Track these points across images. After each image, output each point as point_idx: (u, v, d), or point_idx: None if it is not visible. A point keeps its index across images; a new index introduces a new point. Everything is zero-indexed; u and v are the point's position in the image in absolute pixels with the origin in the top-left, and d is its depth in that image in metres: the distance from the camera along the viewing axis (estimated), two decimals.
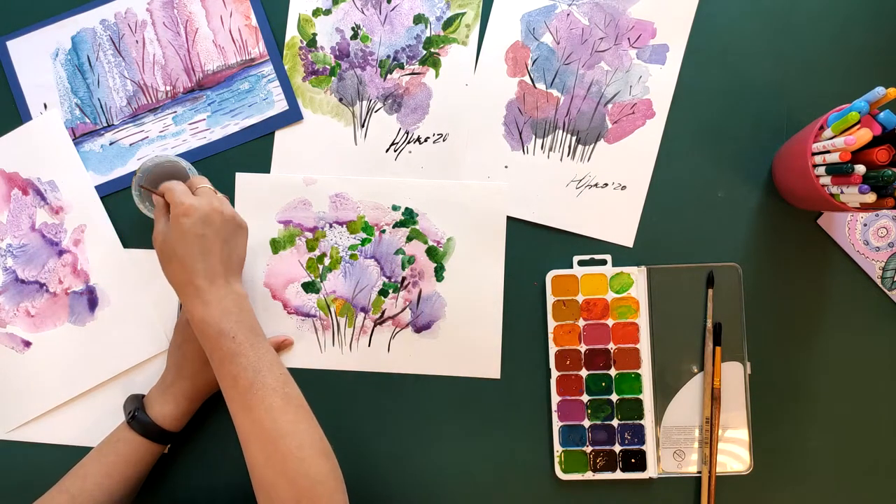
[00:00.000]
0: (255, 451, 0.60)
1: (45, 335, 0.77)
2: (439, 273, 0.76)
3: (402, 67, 0.78)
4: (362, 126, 0.78)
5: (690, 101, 0.77)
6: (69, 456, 0.71)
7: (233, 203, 0.78)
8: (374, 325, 0.77)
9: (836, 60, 0.76)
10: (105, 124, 0.79)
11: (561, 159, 0.77)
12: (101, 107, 0.79)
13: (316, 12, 0.79)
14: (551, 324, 0.75)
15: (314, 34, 0.79)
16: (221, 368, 0.62)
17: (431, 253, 0.77)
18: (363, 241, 0.77)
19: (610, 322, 0.75)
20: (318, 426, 0.63)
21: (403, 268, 0.77)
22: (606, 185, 0.77)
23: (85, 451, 0.70)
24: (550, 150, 0.77)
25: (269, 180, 0.78)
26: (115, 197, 0.78)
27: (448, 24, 0.78)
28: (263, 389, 0.60)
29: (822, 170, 0.64)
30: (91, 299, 0.77)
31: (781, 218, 0.75)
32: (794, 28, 0.77)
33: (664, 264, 0.75)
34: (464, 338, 0.76)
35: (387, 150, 0.78)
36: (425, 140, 0.78)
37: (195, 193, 0.66)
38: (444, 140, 0.78)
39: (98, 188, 0.78)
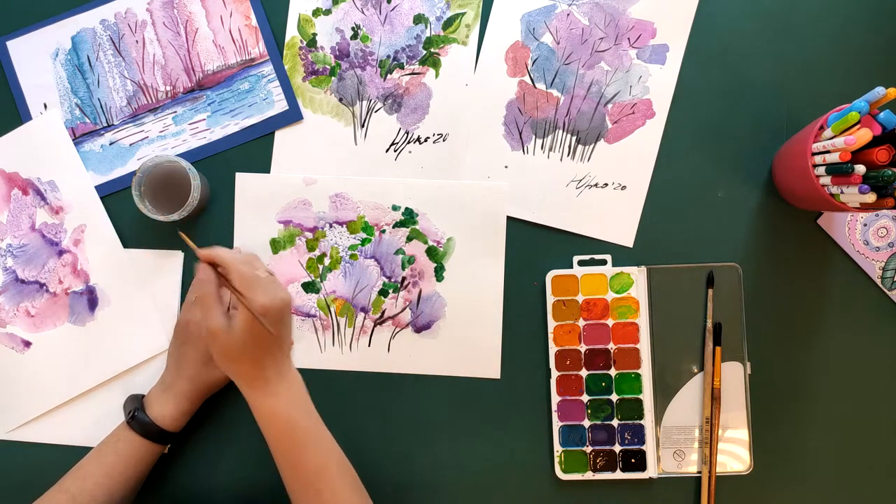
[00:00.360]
0: None
1: (45, 335, 0.77)
2: (439, 273, 0.76)
3: (402, 67, 0.78)
4: (362, 126, 0.78)
5: (690, 101, 0.77)
6: (69, 456, 0.71)
7: (232, 203, 0.78)
8: (374, 325, 0.77)
9: (836, 60, 0.76)
10: (105, 124, 0.79)
11: (561, 159, 0.77)
12: (101, 107, 0.79)
13: (316, 12, 0.79)
14: (551, 324, 0.75)
15: (314, 34, 0.79)
16: (288, 455, 0.62)
17: (431, 253, 0.77)
18: (363, 241, 0.77)
19: (610, 322, 0.75)
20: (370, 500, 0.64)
21: (403, 268, 0.77)
22: (606, 185, 0.77)
23: (85, 451, 0.70)
24: (550, 150, 0.77)
25: (269, 180, 0.78)
26: (115, 197, 0.78)
27: (448, 24, 0.78)
28: (329, 475, 0.62)
29: (822, 170, 0.64)
30: (91, 299, 0.77)
31: (781, 218, 0.75)
32: (794, 28, 0.77)
33: (664, 264, 0.75)
34: (464, 338, 0.76)
35: (387, 150, 0.78)
36: (425, 140, 0.78)
37: (252, 278, 0.60)
38: (444, 140, 0.78)
39: (98, 188, 0.78)
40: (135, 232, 0.78)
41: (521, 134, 0.78)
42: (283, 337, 0.62)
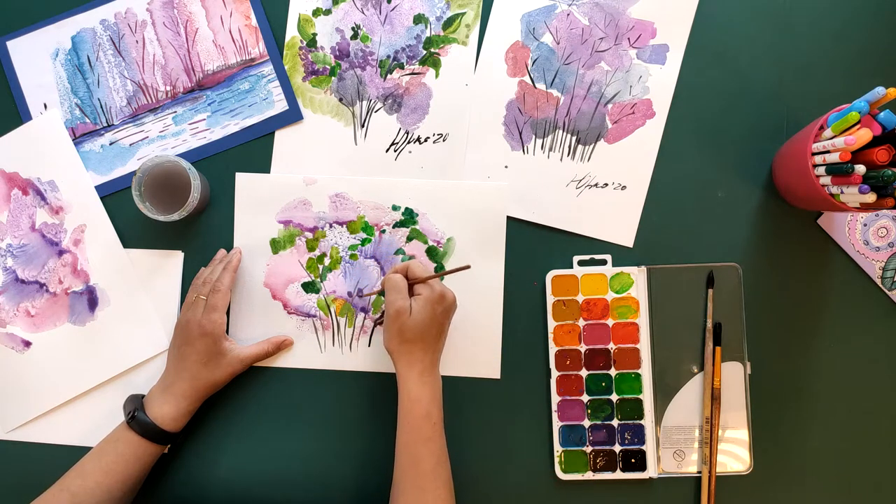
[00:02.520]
0: None
1: (45, 335, 0.77)
2: None
3: (402, 67, 0.78)
4: (362, 126, 0.78)
5: (690, 101, 0.77)
6: (69, 456, 0.71)
7: (232, 203, 0.78)
8: (374, 325, 0.77)
9: (836, 60, 0.76)
10: (105, 124, 0.79)
11: (561, 159, 0.77)
12: (101, 107, 0.79)
13: (316, 12, 0.79)
14: (551, 324, 0.75)
15: (314, 34, 0.79)
16: (411, 447, 0.65)
17: (431, 253, 0.77)
18: (363, 241, 0.77)
19: (610, 322, 0.75)
20: None
21: None
22: (606, 185, 0.77)
23: (85, 451, 0.70)
24: (550, 150, 0.77)
25: (269, 180, 0.78)
26: (115, 197, 0.78)
27: (448, 24, 0.78)
28: (439, 479, 0.64)
29: (822, 170, 0.64)
30: (91, 299, 0.77)
31: (781, 218, 0.75)
32: (794, 28, 0.77)
33: (664, 264, 0.75)
34: (464, 338, 0.76)
35: (387, 150, 0.78)
36: (425, 140, 0.78)
37: (421, 287, 0.67)
38: (444, 140, 0.78)
39: (98, 188, 0.78)
40: (135, 232, 0.78)
41: (521, 134, 0.78)
42: (445, 331, 0.68)
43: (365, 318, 0.77)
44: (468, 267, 0.67)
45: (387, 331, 0.66)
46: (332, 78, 0.79)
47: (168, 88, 0.79)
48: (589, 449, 0.74)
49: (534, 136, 0.77)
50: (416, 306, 0.65)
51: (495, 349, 0.76)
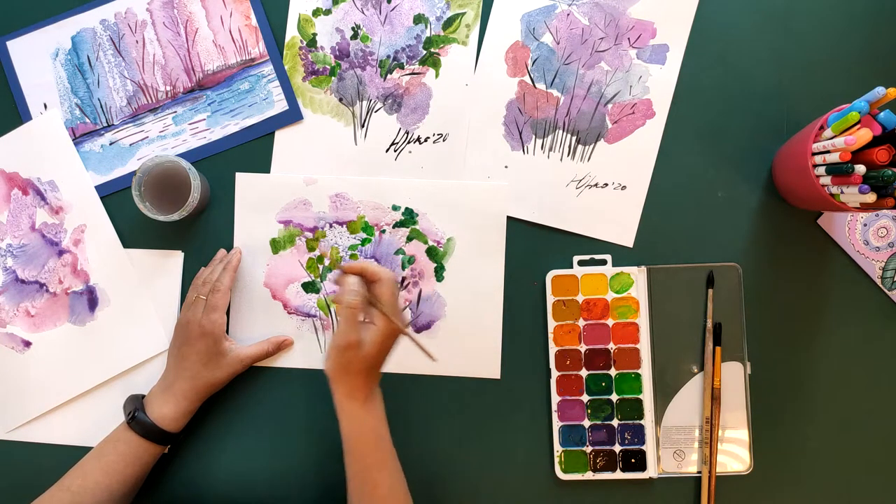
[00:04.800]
0: None
1: (45, 335, 0.77)
2: (439, 273, 0.76)
3: (402, 67, 0.78)
4: (362, 126, 0.78)
5: (690, 101, 0.77)
6: (69, 456, 0.71)
7: (232, 203, 0.78)
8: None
9: (836, 60, 0.76)
10: (105, 124, 0.79)
11: (561, 159, 0.77)
12: (101, 107, 0.79)
13: (316, 12, 0.79)
14: (551, 324, 0.75)
15: (314, 34, 0.79)
16: (366, 473, 0.63)
17: (431, 253, 0.77)
18: (363, 241, 0.77)
19: (610, 322, 0.75)
20: None
21: (403, 268, 0.77)
22: (606, 185, 0.77)
23: (85, 451, 0.70)
24: (550, 150, 0.77)
25: (269, 180, 0.78)
26: (115, 197, 0.78)
27: (448, 24, 0.78)
28: (397, 500, 0.63)
29: (822, 170, 0.64)
30: (91, 299, 0.77)
31: (781, 218, 0.75)
32: (794, 28, 0.77)
33: (664, 264, 0.75)
34: (464, 338, 0.76)
35: (387, 150, 0.78)
36: (425, 140, 0.78)
37: (397, 302, 0.64)
38: (444, 140, 0.78)
39: (98, 188, 0.78)
40: (135, 232, 0.78)
41: (521, 134, 0.78)
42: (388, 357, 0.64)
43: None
44: (433, 359, 0.65)
45: (330, 358, 0.62)
46: (332, 78, 0.79)
47: (168, 88, 0.79)
48: (589, 449, 0.74)
49: (534, 136, 0.77)
50: (368, 339, 0.61)
51: (495, 349, 0.76)
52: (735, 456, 0.73)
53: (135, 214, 0.76)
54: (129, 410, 0.69)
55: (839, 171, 0.62)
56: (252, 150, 0.79)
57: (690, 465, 0.73)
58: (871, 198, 0.60)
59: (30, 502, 0.65)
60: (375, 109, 0.78)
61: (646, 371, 0.74)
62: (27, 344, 0.77)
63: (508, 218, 0.77)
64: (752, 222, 0.76)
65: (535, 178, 0.77)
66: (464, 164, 0.77)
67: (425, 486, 0.75)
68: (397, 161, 0.78)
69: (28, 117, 0.79)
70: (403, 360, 0.76)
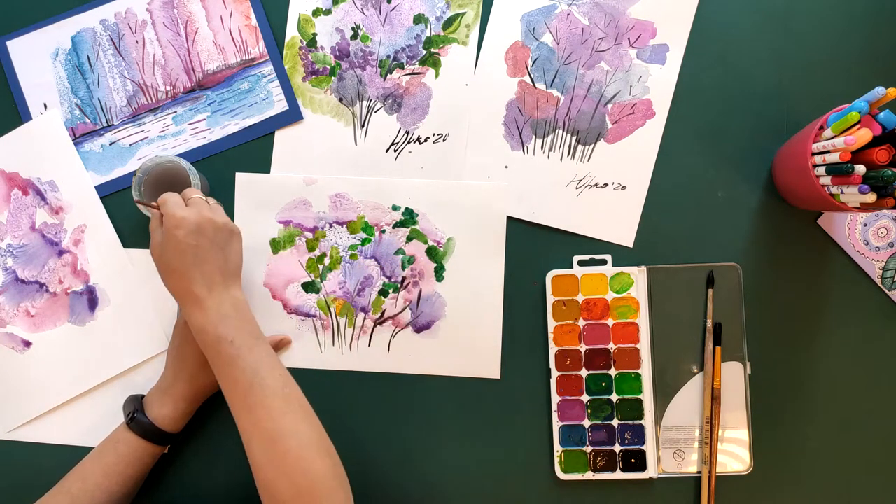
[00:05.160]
0: (256, 451, 0.60)
1: (45, 335, 0.77)
2: (439, 273, 0.76)
3: (402, 67, 0.78)
4: (362, 126, 0.78)
5: (690, 101, 0.77)
6: (69, 456, 0.71)
7: (232, 203, 0.78)
8: (374, 325, 0.77)
9: (835, 60, 0.76)
10: (105, 124, 0.79)
11: (561, 159, 0.77)
12: (101, 107, 0.79)
13: (316, 12, 0.79)
14: (551, 324, 0.75)
15: (314, 34, 0.79)
16: (221, 373, 0.62)
17: (431, 253, 0.77)
18: (363, 241, 0.77)
19: (610, 322, 0.75)
20: (320, 425, 0.63)
21: (403, 268, 0.77)
22: (606, 185, 0.77)
23: (85, 451, 0.70)
24: (550, 150, 0.77)
25: (269, 180, 0.78)
26: (115, 197, 0.78)
27: (448, 24, 0.78)
28: (263, 391, 0.61)
29: (822, 170, 0.64)
30: (91, 299, 0.77)
31: (781, 218, 0.75)
32: (794, 28, 0.77)
33: (664, 264, 0.75)
34: (464, 338, 0.76)
35: (387, 150, 0.78)
36: (425, 140, 0.78)
37: (187, 204, 0.66)
38: (444, 140, 0.78)
39: (98, 188, 0.78)
40: (135, 232, 0.78)
41: (521, 134, 0.78)
42: (207, 251, 0.64)
43: (365, 319, 0.77)
44: (156, 207, 0.66)
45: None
46: (332, 78, 0.79)
47: (168, 88, 0.79)
48: (589, 449, 0.74)
49: (534, 136, 0.77)
50: (156, 237, 0.65)
51: (495, 349, 0.76)
52: (735, 456, 0.73)
53: (135, 214, 0.76)
54: (129, 411, 0.69)
55: (839, 171, 0.62)
56: (252, 150, 0.79)
57: (690, 465, 0.73)
58: (871, 198, 0.60)
59: None
60: (375, 109, 0.78)
61: (646, 371, 0.74)
62: (27, 344, 0.77)
63: (508, 218, 0.77)
64: (752, 222, 0.76)
65: (535, 178, 0.77)
66: (464, 164, 0.77)
67: (425, 486, 0.75)
68: (397, 161, 0.78)
69: (28, 117, 0.79)
70: (404, 360, 0.76)
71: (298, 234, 0.77)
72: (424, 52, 0.78)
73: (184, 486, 0.76)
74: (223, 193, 0.78)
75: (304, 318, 0.77)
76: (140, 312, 0.77)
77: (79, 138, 0.79)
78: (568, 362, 0.75)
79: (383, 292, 0.77)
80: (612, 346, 0.75)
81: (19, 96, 0.79)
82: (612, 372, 0.74)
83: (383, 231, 0.77)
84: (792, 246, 0.75)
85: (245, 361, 0.62)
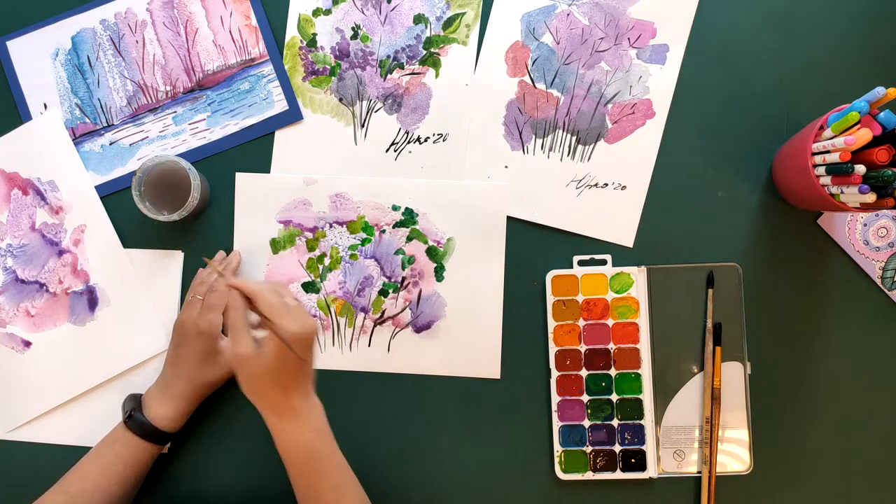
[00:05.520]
0: None
1: (45, 335, 0.77)
2: (439, 273, 0.76)
3: (402, 67, 0.78)
4: (362, 126, 0.78)
5: (690, 101, 0.77)
6: (69, 456, 0.71)
7: (232, 203, 0.78)
8: (374, 325, 0.77)
9: (836, 60, 0.76)
10: (105, 124, 0.79)
11: (561, 159, 0.77)
12: (101, 107, 0.79)
13: (316, 12, 0.79)
14: (551, 324, 0.75)
15: (314, 34, 0.79)
16: (307, 484, 0.62)
17: (431, 253, 0.77)
18: (363, 241, 0.77)
19: (610, 322, 0.75)
20: None
21: (403, 268, 0.77)
22: (606, 185, 0.77)
23: (85, 451, 0.69)
24: (550, 150, 0.77)
25: (269, 180, 0.78)
26: (115, 197, 0.78)
27: (448, 24, 0.78)
28: None
29: (822, 170, 0.64)
30: (91, 299, 0.77)
31: (781, 218, 0.75)
32: (794, 28, 0.77)
33: (664, 264, 0.75)
34: (464, 338, 0.76)
35: (387, 150, 0.78)
36: (425, 140, 0.78)
37: (281, 307, 0.59)
38: (444, 140, 0.78)
39: (98, 188, 0.78)
40: (135, 232, 0.78)
41: (521, 134, 0.78)
42: (310, 364, 0.62)
43: (365, 319, 0.77)
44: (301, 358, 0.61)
45: (238, 377, 0.60)
46: (332, 78, 0.79)
47: (168, 88, 0.79)
48: (589, 449, 0.74)
49: (534, 136, 0.77)
50: (264, 350, 0.58)
51: (495, 349, 0.76)
52: (735, 456, 0.73)
53: (135, 214, 0.76)
54: (127, 410, 0.69)
55: (839, 171, 0.62)
56: (252, 150, 0.79)
57: (690, 465, 0.73)
58: (871, 198, 0.60)
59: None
60: (375, 109, 0.78)
61: (646, 371, 0.74)
62: (27, 344, 0.77)
63: (508, 218, 0.76)
64: (752, 222, 0.76)
65: (534, 178, 0.77)
66: (464, 164, 0.77)
67: (425, 486, 0.75)
68: (397, 161, 0.78)
69: (28, 117, 0.79)
70: (404, 360, 0.76)
71: (298, 234, 0.77)
72: (424, 52, 0.78)
73: (184, 486, 0.75)
74: (223, 193, 0.78)
75: None
76: (140, 312, 0.77)
77: (79, 138, 0.79)
78: (568, 362, 0.75)
79: (383, 292, 0.77)
80: (612, 346, 0.75)
81: (19, 96, 0.79)
82: (612, 372, 0.74)
83: (383, 231, 0.77)
84: (792, 246, 0.75)
85: (335, 478, 0.62)
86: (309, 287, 0.77)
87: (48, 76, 0.79)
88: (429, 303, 0.76)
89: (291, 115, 0.78)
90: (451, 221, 0.77)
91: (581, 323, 0.75)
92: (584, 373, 0.75)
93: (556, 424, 0.74)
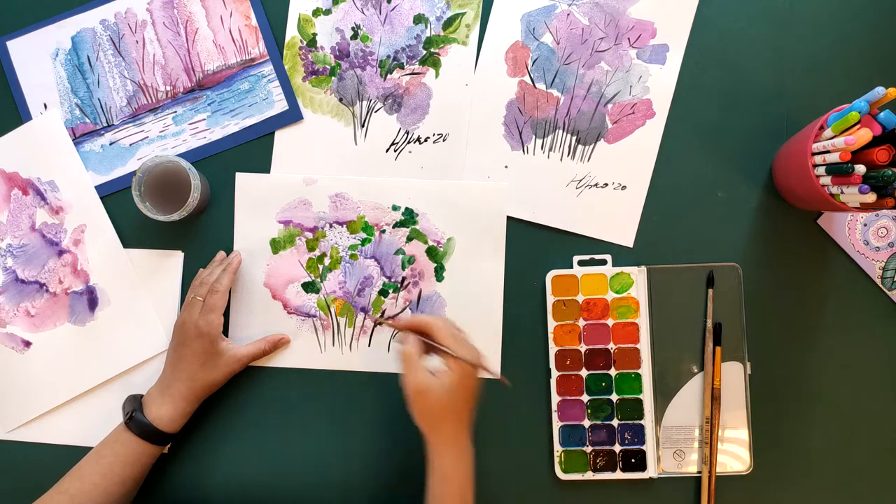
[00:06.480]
0: None
1: (45, 335, 0.77)
2: (439, 273, 0.76)
3: (402, 67, 0.78)
4: (362, 126, 0.78)
5: (690, 101, 0.77)
6: (69, 456, 0.71)
7: (232, 203, 0.78)
8: (374, 325, 0.77)
9: (836, 60, 0.76)
10: (105, 124, 0.79)
11: (561, 159, 0.77)
12: (101, 107, 0.79)
13: (316, 12, 0.79)
14: (551, 324, 0.75)
15: (314, 34, 0.79)
16: None
17: (431, 253, 0.77)
18: (363, 241, 0.77)
19: (610, 322, 0.75)
20: None
21: (403, 268, 0.77)
22: (606, 185, 0.77)
23: (85, 451, 0.70)
24: (550, 150, 0.77)
25: (269, 180, 0.78)
26: (115, 197, 0.78)
27: (448, 24, 0.78)
28: None
29: (822, 170, 0.64)
30: (91, 299, 0.77)
31: (781, 218, 0.75)
32: (794, 28, 0.77)
33: (664, 264, 0.75)
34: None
35: (387, 150, 0.78)
36: (425, 140, 0.78)
37: (459, 338, 0.64)
38: (444, 140, 0.78)
39: (98, 188, 0.78)
40: (135, 232, 0.78)
41: (521, 134, 0.78)
42: (476, 401, 0.64)
43: (365, 319, 0.77)
44: (505, 383, 0.67)
45: (411, 407, 0.63)
46: (332, 78, 0.79)
47: (168, 88, 0.79)
48: (589, 449, 0.74)
49: (534, 136, 0.77)
50: (442, 381, 0.62)
51: (495, 349, 0.76)
52: (735, 456, 0.73)
53: (135, 214, 0.76)
54: (128, 411, 0.69)
55: (839, 171, 0.62)
56: (252, 150, 0.79)
57: (690, 465, 0.73)
58: (871, 198, 0.60)
59: None
60: (375, 109, 0.78)
61: (646, 371, 0.74)
62: (27, 344, 0.77)
63: (508, 218, 0.77)
64: (752, 222, 0.76)
65: (535, 178, 0.77)
66: (464, 164, 0.77)
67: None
68: (397, 161, 0.78)
69: (28, 117, 0.79)
70: None
71: (298, 234, 0.77)
72: (424, 52, 0.78)
73: (183, 487, 0.75)
74: (223, 193, 0.78)
75: (305, 318, 0.77)
76: (140, 312, 0.77)
77: (79, 138, 0.79)
78: (568, 362, 0.75)
79: (383, 292, 0.77)
80: (612, 346, 0.75)
81: (19, 96, 0.79)
82: (612, 372, 0.74)
83: (383, 231, 0.77)
84: (792, 246, 0.75)
85: None
86: (309, 287, 0.77)
87: (48, 76, 0.79)
88: (429, 303, 0.76)
89: (291, 115, 0.78)
90: (451, 221, 0.77)
91: (581, 323, 0.75)
92: (584, 373, 0.75)
93: (556, 424, 0.74)
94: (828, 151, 0.62)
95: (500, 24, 0.78)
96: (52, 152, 0.78)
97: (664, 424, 0.74)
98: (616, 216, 0.76)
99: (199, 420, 0.74)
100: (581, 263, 0.76)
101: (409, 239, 0.77)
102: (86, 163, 0.78)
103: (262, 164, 0.78)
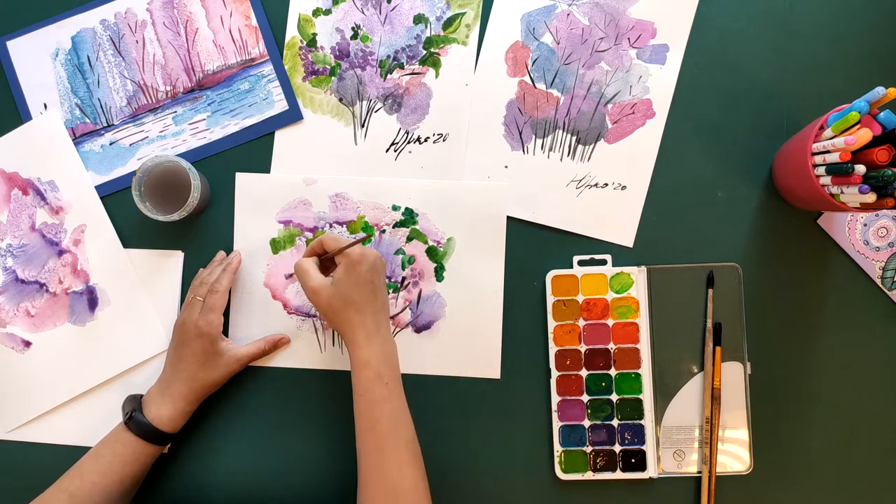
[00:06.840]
0: (374, 493, 0.62)
1: (45, 335, 0.77)
2: (439, 273, 0.76)
3: (402, 67, 0.78)
4: (362, 126, 0.78)
5: (690, 101, 0.77)
6: (69, 456, 0.71)
7: (232, 203, 0.78)
8: None
9: (836, 60, 0.76)
10: (105, 124, 0.79)
11: (561, 159, 0.77)
12: (101, 107, 0.79)
13: (316, 12, 0.79)
14: (551, 324, 0.75)
15: (314, 34, 0.79)
16: (366, 410, 0.64)
17: (431, 253, 0.77)
18: (363, 242, 0.77)
19: (610, 322, 0.75)
20: (427, 482, 0.65)
21: (403, 268, 0.77)
22: (606, 185, 0.77)
23: (85, 451, 0.69)
24: (550, 150, 0.77)
25: (269, 180, 0.78)
26: (115, 197, 0.78)
27: (448, 24, 0.78)
28: (398, 439, 0.63)
29: (822, 170, 0.64)
30: (91, 299, 0.77)
31: (781, 218, 0.75)
32: (794, 28, 0.77)
33: (664, 264, 0.75)
34: (464, 338, 0.76)
35: (387, 150, 0.78)
36: (425, 140, 0.78)
37: (343, 241, 0.68)
38: (444, 140, 0.78)
39: (98, 188, 0.78)
40: (135, 232, 0.78)
41: (521, 134, 0.78)
42: (379, 290, 0.67)
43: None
44: (368, 237, 0.74)
45: (317, 310, 0.67)
46: (332, 78, 0.79)
47: (168, 88, 0.79)
48: (589, 449, 0.74)
49: (534, 136, 0.77)
50: (335, 275, 0.66)
51: (495, 349, 0.76)
52: (735, 456, 0.73)
53: (135, 214, 0.76)
54: (128, 411, 0.69)
55: (839, 171, 0.62)
56: (252, 150, 0.79)
57: (690, 465, 0.73)
58: (871, 198, 0.60)
59: (28, 503, 0.65)
60: (375, 109, 0.78)
61: (646, 371, 0.74)
62: (27, 344, 0.77)
63: (508, 218, 0.77)
64: (752, 222, 0.76)
65: (535, 178, 0.77)
66: (464, 164, 0.77)
67: None
68: (397, 161, 0.78)
69: (28, 117, 0.79)
70: (404, 360, 0.76)
71: (298, 234, 0.77)
72: (424, 52, 0.78)
73: (183, 486, 0.75)
74: (223, 193, 0.78)
75: (305, 318, 0.77)
76: (140, 312, 0.77)
77: (79, 138, 0.79)
78: (568, 362, 0.75)
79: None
80: (612, 346, 0.75)
81: (19, 96, 0.79)
82: (612, 372, 0.74)
83: (383, 231, 0.77)
84: (792, 246, 0.75)
85: (392, 405, 0.64)
86: None
87: (48, 76, 0.79)
88: (429, 303, 0.76)
89: (291, 115, 0.78)
90: (451, 221, 0.77)
91: (581, 323, 0.75)
92: (584, 373, 0.75)
93: (556, 424, 0.74)
94: (828, 151, 0.62)
95: (500, 24, 0.78)
96: (52, 152, 0.78)
97: (664, 424, 0.74)
98: (616, 216, 0.76)
99: (199, 420, 0.74)
100: (581, 263, 0.76)
101: (409, 239, 0.77)
102: (86, 163, 0.78)
103: (262, 164, 0.78)
